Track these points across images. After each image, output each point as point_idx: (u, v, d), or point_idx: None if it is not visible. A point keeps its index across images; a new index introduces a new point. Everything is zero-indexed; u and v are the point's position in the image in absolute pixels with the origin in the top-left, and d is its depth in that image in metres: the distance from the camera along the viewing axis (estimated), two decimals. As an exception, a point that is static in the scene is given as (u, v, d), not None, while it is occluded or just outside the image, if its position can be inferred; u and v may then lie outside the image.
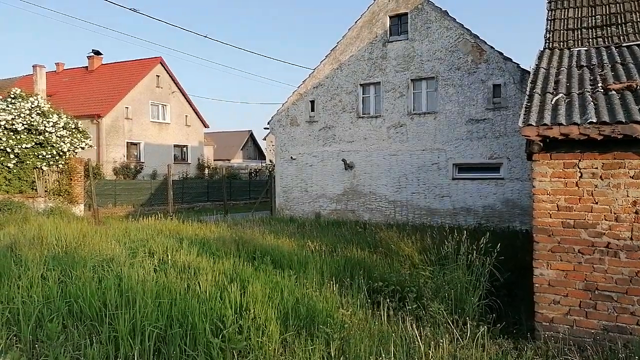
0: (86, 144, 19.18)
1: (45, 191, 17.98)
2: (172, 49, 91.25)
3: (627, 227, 5.01)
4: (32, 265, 6.57)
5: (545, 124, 5.09)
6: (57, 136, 17.84)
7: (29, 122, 17.16)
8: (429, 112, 16.51)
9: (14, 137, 16.82)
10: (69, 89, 32.68)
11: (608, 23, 8.69)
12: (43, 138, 17.50)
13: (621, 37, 8.26)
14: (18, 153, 16.93)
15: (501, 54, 15.37)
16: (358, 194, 17.86)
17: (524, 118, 5.37)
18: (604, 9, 9.06)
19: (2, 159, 16.75)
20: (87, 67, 35.18)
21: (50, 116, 17.81)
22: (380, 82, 17.40)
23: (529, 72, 11.38)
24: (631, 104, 5.13)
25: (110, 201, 23.11)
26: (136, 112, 30.88)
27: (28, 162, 17.29)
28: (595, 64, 6.82)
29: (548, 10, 9.49)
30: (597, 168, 5.14)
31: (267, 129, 20.81)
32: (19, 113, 17.01)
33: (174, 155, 33.77)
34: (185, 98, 35.14)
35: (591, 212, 5.16)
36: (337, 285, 6.47)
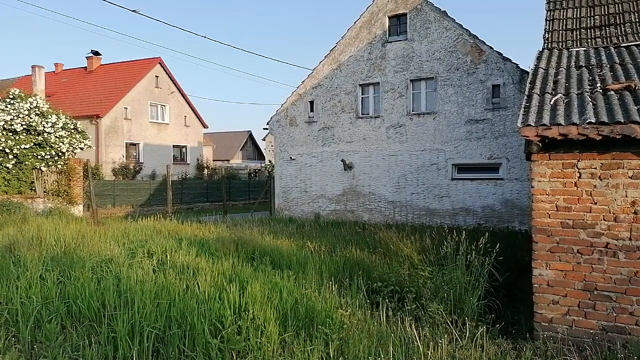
0: (85, 145, 19.15)
1: (44, 192, 17.96)
2: (171, 49, 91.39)
3: (625, 227, 5.01)
4: (30, 265, 6.56)
5: (544, 124, 5.09)
6: (56, 137, 17.82)
7: (27, 122, 17.15)
8: (428, 113, 16.51)
9: (12, 137, 16.80)
10: (68, 90, 32.67)
11: (607, 23, 8.70)
12: (42, 139, 17.48)
13: (620, 38, 8.26)
14: (17, 154, 16.91)
15: (500, 54, 15.39)
16: (357, 195, 17.86)
17: (522, 118, 5.37)
18: (602, 9, 9.06)
19: (1, 159, 16.73)
20: (86, 67, 35.17)
21: (49, 117, 17.79)
22: (379, 83, 17.41)
23: (528, 73, 11.40)
24: (630, 104, 5.13)
25: (109, 202, 23.10)
26: (135, 113, 30.88)
27: (27, 162, 17.27)
28: (594, 64, 6.83)
29: (547, 11, 9.49)
30: (595, 168, 5.14)
31: (267, 129, 20.81)
32: (17, 113, 16.99)
33: (173, 155, 33.77)
34: (185, 98, 35.14)
35: (590, 212, 5.16)
36: (336, 285, 6.47)
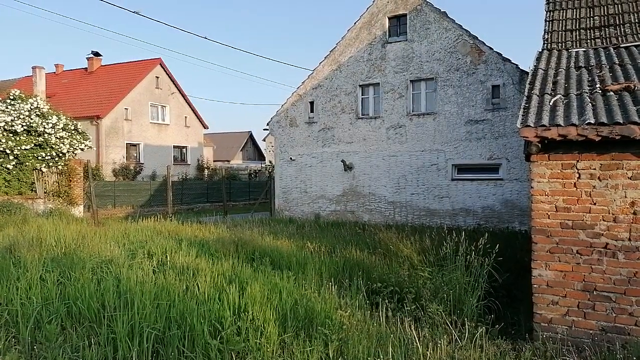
0: (85, 145, 19.16)
1: (45, 192, 17.97)
2: (171, 50, 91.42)
3: (625, 227, 5.01)
4: (31, 266, 6.57)
5: (543, 125, 5.10)
6: (56, 137, 17.82)
7: (28, 123, 17.15)
8: (428, 113, 16.52)
9: (13, 138, 16.81)
10: (69, 91, 32.72)
11: (606, 24, 8.70)
12: (42, 139, 17.48)
13: (619, 38, 8.27)
14: (17, 154, 16.91)
15: (500, 54, 15.40)
16: (357, 195, 17.86)
17: (522, 119, 5.38)
18: (602, 10, 9.06)
19: (1, 160, 16.73)
20: (86, 68, 35.22)
21: (50, 117, 17.79)
22: (379, 83, 17.42)
23: (527, 73, 11.41)
24: (629, 105, 5.13)
25: (109, 202, 23.12)
26: (136, 113, 30.91)
27: (27, 163, 17.28)
28: (593, 65, 6.83)
29: (546, 12, 9.50)
30: (595, 169, 5.15)
31: (267, 130, 20.84)
32: (18, 114, 17.00)
33: (174, 156, 33.79)
34: (185, 99, 35.18)
35: (589, 212, 5.16)
36: (336, 286, 6.47)
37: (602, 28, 8.60)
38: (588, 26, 8.75)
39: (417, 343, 4.51)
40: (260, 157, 55.99)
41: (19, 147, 16.84)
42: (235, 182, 31.70)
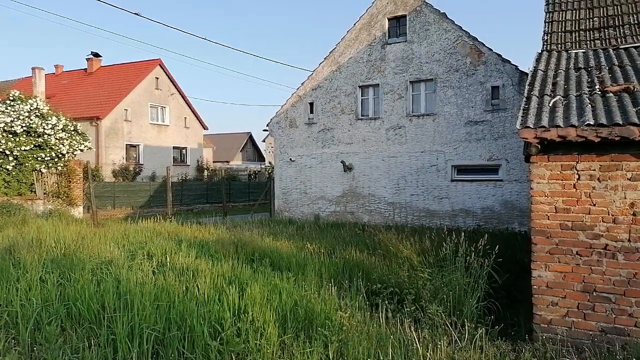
0: (85, 146, 19.16)
1: (44, 193, 17.96)
2: (171, 51, 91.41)
3: (624, 229, 5.02)
4: (30, 267, 6.57)
5: (542, 126, 5.10)
6: (56, 138, 17.82)
7: (27, 124, 17.15)
8: (427, 114, 16.53)
9: (12, 139, 16.81)
10: (68, 91, 32.72)
11: (606, 25, 8.71)
12: (42, 140, 17.48)
13: (619, 39, 8.27)
14: (17, 155, 16.91)
15: (499, 55, 15.41)
16: (357, 196, 17.87)
17: (521, 120, 5.39)
18: (601, 11, 9.08)
19: (1, 161, 16.73)
20: (86, 69, 35.23)
21: (49, 118, 17.79)
22: (379, 84, 17.43)
23: (527, 74, 11.41)
24: (628, 106, 5.14)
25: (109, 203, 23.11)
26: (135, 114, 30.91)
27: (27, 164, 17.27)
28: (592, 66, 6.84)
29: (546, 13, 9.51)
30: (594, 170, 5.15)
31: (266, 130, 20.85)
32: (17, 115, 17.00)
33: (173, 157, 33.79)
34: (185, 100, 35.18)
35: (589, 214, 5.17)
36: (336, 287, 6.47)
37: (602, 29, 8.61)
38: (587, 27, 8.76)
39: (417, 344, 4.51)
40: (260, 158, 56.00)
41: (18, 148, 16.84)
42: (234, 183, 31.69)
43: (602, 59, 7.06)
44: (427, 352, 4.42)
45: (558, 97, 5.83)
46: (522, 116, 5.49)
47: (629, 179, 5.02)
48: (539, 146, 5.24)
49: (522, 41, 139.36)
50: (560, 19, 9.18)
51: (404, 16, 16.92)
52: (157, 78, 32.81)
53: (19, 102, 17.70)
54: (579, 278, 5.17)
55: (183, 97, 34.97)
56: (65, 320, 5.04)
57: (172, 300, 5.20)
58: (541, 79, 6.61)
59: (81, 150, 19.08)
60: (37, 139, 17.39)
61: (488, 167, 15.52)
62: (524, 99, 6.01)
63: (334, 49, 18.40)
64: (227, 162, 49.18)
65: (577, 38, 8.61)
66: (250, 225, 13.75)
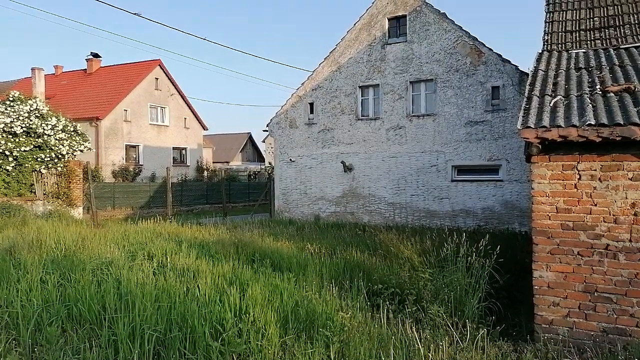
0: (85, 147, 19.14)
1: (44, 194, 17.95)
2: (170, 51, 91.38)
3: (626, 229, 5.01)
4: (31, 268, 6.56)
5: (543, 126, 5.10)
6: (55, 139, 17.81)
7: (27, 125, 17.14)
8: (427, 114, 16.53)
9: (12, 140, 16.79)
10: (68, 92, 32.71)
11: (606, 25, 8.71)
12: (42, 141, 17.47)
13: (619, 39, 8.28)
14: (17, 156, 16.90)
15: (500, 55, 15.41)
16: (357, 196, 17.86)
17: (522, 120, 5.38)
18: (602, 11, 9.08)
19: (0, 162, 16.72)
20: (85, 69, 35.22)
21: (49, 119, 17.78)
22: (379, 84, 17.43)
23: (527, 74, 11.42)
24: (629, 106, 5.14)
25: (109, 204, 23.09)
26: (135, 115, 30.90)
27: (27, 165, 17.26)
28: (593, 66, 6.84)
29: (546, 13, 9.51)
30: (595, 170, 5.15)
31: (266, 131, 20.86)
32: (17, 116, 16.99)
33: (173, 157, 33.78)
34: (184, 100, 35.17)
35: (590, 214, 5.16)
36: (337, 288, 6.47)
37: (602, 29, 8.61)
38: (588, 27, 8.76)
39: (418, 345, 4.50)
40: (260, 158, 56.00)
41: (18, 149, 16.83)
42: (234, 184, 31.68)
43: (603, 59, 7.06)
44: (429, 352, 4.41)
45: (559, 97, 5.83)
46: (523, 116, 5.49)
47: (630, 179, 5.01)
48: (540, 146, 5.24)
49: (522, 41, 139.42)
50: (560, 18, 9.18)
51: (404, 16, 16.91)
52: (156, 78, 32.80)
53: (18, 102, 17.69)
54: (580, 278, 5.17)
55: (183, 97, 34.97)
56: (66, 321, 5.03)
57: (173, 301, 5.20)
58: (542, 79, 6.61)
59: (81, 151, 19.08)
60: (36, 140, 17.38)
61: (488, 168, 15.52)
62: (525, 99, 6.00)
63: (334, 49, 18.40)
64: (227, 162, 49.18)
65: (577, 38, 8.61)
66: (251, 226, 13.75)
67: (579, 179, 5.22)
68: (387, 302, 5.88)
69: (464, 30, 16.06)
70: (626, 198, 5.03)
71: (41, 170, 17.74)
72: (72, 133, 18.72)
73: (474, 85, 15.66)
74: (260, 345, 4.42)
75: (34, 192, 17.69)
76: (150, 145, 31.81)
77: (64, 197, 18.45)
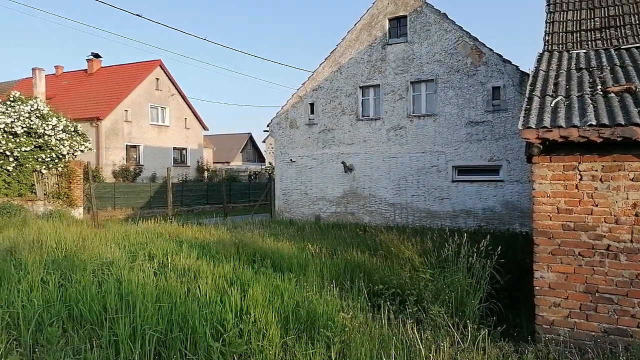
0: (85, 147, 19.15)
1: (45, 194, 17.95)
2: (171, 51, 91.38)
3: (627, 229, 5.01)
4: (32, 269, 6.56)
5: (544, 127, 5.10)
6: (56, 139, 17.82)
7: (28, 125, 17.15)
8: (428, 115, 16.53)
9: (13, 140, 16.80)
10: (69, 92, 32.74)
11: (607, 25, 8.71)
12: (42, 141, 17.48)
13: (620, 40, 8.27)
14: (17, 156, 16.90)
15: (500, 56, 15.40)
16: (358, 197, 17.86)
17: (523, 120, 5.38)
18: (602, 11, 9.07)
19: (1, 162, 16.72)
20: (86, 70, 35.24)
21: (50, 119, 17.79)
22: (379, 85, 17.42)
23: (528, 75, 11.41)
24: (630, 107, 5.13)
25: (109, 204, 23.10)
26: (135, 115, 30.91)
27: (27, 165, 17.26)
28: (594, 67, 6.84)
29: (547, 13, 9.51)
30: (597, 170, 5.14)
31: (267, 131, 20.84)
32: (18, 116, 16.99)
33: (174, 158, 33.80)
34: (185, 101, 35.19)
35: (591, 214, 5.16)
36: (338, 288, 6.46)
37: (603, 29, 8.61)
38: (589, 28, 8.76)
39: (419, 345, 4.50)
40: (260, 158, 55.99)
41: (18, 149, 16.83)
42: (235, 184, 31.69)
43: (604, 59, 7.06)
44: (430, 353, 4.41)
45: (560, 97, 5.82)
46: (523, 116, 5.49)
47: (632, 180, 5.01)
48: (541, 147, 5.23)
49: (522, 41, 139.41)
50: (561, 19, 9.18)
51: (405, 16, 16.91)
52: (157, 79, 32.82)
53: (19, 102, 17.69)
54: (581, 279, 5.16)
55: (183, 97, 34.98)
56: (66, 322, 5.03)
57: (174, 302, 5.20)
58: (543, 79, 6.61)
59: (81, 151, 19.08)
60: (37, 140, 17.39)
61: (489, 168, 15.51)
62: (526, 100, 6.00)
63: (334, 50, 18.40)
64: (228, 162, 49.19)
65: (578, 38, 8.60)
66: (251, 226, 13.75)
67: (580, 179, 5.21)
68: (388, 303, 5.87)
69: (465, 31, 16.06)
70: (627, 198, 5.02)
71: (42, 170, 17.74)
72: (73, 133, 18.72)
73: (474, 86, 15.66)
74: (261, 345, 4.42)
75: (35, 193, 17.70)
76: (151, 146, 31.83)
77: (65, 197, 18.45)
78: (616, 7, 9.00)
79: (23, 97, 18.26)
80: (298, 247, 9.91)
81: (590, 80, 6.30)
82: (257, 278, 6.55)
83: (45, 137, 17.52)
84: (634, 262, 4.96)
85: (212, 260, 7.93)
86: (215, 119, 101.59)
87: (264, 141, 46.96)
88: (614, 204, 5.07)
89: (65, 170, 18.56)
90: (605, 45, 8.18)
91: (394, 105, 17.12)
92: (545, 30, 9.03)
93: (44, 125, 17.46)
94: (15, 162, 16.97)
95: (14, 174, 17.10)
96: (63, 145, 18.02)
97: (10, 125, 16.76)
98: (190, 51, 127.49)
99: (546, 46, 8.53)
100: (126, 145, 30.18)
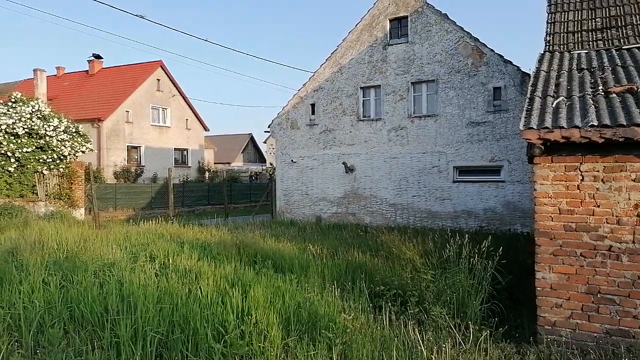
0: (87, 148, 19.17)
1: (46, 195, 17.98)
2: (172, 52, 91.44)
3: (629, 230, 5.00)
4: (33, 270, 6.56)
5: (546, 127, 5.09)
6: (57, 140, 17.84)
7: (29, 126, 17.17)
8: (429, 115, 16.52)
9: (14, 141, 16.83)
10: (70, 93, 32.77)
11: (608, 26, 8.70)
12: (44, 142, 17.50)
13: (621, 40, 8.27)
14: (19, 157, 16.93)
15: (501, 56, 15.39)
16: (359, 197, 17.85)
17: (524, 121, 5.37)
18: (604, 11, 9.07)
19: (3, 163, 16.75)
20: (87, 71, 35.27)
21: (51, 120, 17.81)
22: (380, 85, 17.42)
23: (529, 75, 11.41)
24: (632, 107, 5.12)
25: (110, 205, 23.11)
26: (137, 116, 30.94)
27: (29, 166, 17.29)
28: (595, 67, 6.83)
29: (548, 13, 9.51)
30: (598, 171, 5.13)
31: (268, 132, 20.84)
32: (19, 117, 17.02)
33: (175, 158, 33.81)
34: (186, 101, 35.21)
35: (593, 215, 5.15)
36: (339, 289, 6.46)
37: (604, 30, 8.60)
38: (590, 28, 8.75)
39: (421, 346, 4.49)
40: (261, 159, 55.93)
41: (20, 150, 16.86)
42: (236, 185, 31.69)
43: (605, 60, 7.05)
44: (432, 354, 4.41)
45: (561, 98, 5.82)
46: (525, 117, 5.48)
47: (633, 180, 5.00)
48: (543, 147, 5.22)
49: (523, 41, 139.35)
50: (562, 19, 9.17)
51: (406, 17, 16.91)
52: (158, 80, 32.85)
53: (20, 103, 17.72)
54: (583, 280, 5.15)
55: (184, 98, 35.00)
56: (68, 323, 5.03)
57: (175, 303, 5.20)
58: (544, 79, 6.60)
59: (83, 152, 19.10)
60: (38, 141, 17.41)
61: (490, 168, 15.50)
62: (527, 100, 5.99)
63: (335, 50, 18.41)
64: (229, 163, 49.17)
65: (579, 39, 8.60)
66: (252, 227, 13.76)
67: (582, 180, 5.20)
68: (390, 304, 5.87)
69: (466, 31, 16.05)
70: (629, 199, 5.01)
71: (43, 171, 17.77)
72: (74, 134, 18.75)
73: (475, 86, 15.65)
74: (263, 347, 4.41)
75: (36, 193, 17.72)
76: (152, 146, 31.85)
77: (66, 198, 18.47)
78: (617, 8, 8.99)
79: (24, 98, 18.29)
80: (299, 247, 9.91)
81: (592, 81, 6.29)
82: (259, 279, 6.55)
83: (47, 138, 17.54)
84: (636, 263, 4.95)
85: (214, 261, 7.93)
86: (216, 119, 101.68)
87: (265, 142, 46.80)
88: (616, 205, 5.06)
89: (67, 171, 18.58)
90: (606, 45, 8.17)
91: (395, 105, 17.12)
92: (547, 31, 9.03)
93: (45, 126, 17.49)
94: (17, 163, 16.99)
95: (16, 174, 17.13)
96: (64, 146, 18.05)
97: (11, 126, 16.79)
98: (191, 52, 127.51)
99: (547, 46, 8.53)
100: (127, 146, 30.20)
